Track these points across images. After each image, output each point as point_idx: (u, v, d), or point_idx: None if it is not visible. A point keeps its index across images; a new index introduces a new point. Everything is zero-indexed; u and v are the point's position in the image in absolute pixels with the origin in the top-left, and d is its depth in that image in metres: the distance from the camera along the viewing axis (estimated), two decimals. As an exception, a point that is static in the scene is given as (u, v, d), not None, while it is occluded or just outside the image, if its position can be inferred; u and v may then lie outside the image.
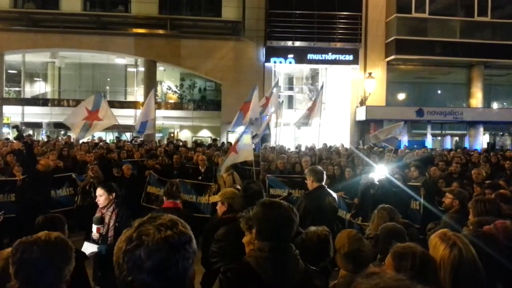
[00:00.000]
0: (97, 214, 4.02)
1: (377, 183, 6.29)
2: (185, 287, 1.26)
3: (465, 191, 5.15)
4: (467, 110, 19.76)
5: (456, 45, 18.91)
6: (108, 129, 10.99)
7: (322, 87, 10.25)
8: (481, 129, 20.36)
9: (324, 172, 5.13)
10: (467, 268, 2.13)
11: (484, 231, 2.82)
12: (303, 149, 14.48)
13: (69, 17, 18.57)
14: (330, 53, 19.17)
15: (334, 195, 4.88)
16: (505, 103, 22.26)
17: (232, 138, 20.00)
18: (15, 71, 21.74)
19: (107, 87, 22.32)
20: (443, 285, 2.07)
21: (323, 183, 5.00)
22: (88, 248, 3.77)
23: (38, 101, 21.17)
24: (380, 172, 6.51)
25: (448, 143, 21.22)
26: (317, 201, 4.73)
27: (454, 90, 21.82)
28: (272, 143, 12.01)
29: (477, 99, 20.22)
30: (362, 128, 19.39)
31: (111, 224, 3.99)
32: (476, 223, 3.23)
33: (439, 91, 22.08)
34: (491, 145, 19.99)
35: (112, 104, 14.26)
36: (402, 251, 2.09)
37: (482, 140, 20.53)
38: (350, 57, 19.29)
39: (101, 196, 4.03)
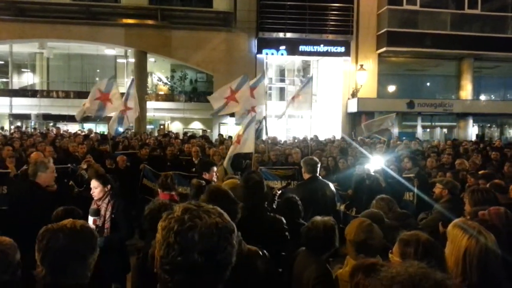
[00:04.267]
0: (93, 206, 3.97)
1: (373, 174, 6.32)
2: (227, 273, 1.30)
3: (457, 181, 5.20)
4: (457, 102, 19.94)
5: (446, 37, 19.00)
6: (100, 121, 10.90)
7: (310, 79, 10.03)
8: (471, 121, 20.59)
9: (318, 163, 5.13)
10: (493, 258, 2.09)
11: (484, 220, 2.83)
12: (294, 141, 14.50)
13: (57, 6, 18.20)
14: (321, 45, 19.15)
15: (332, 186, 4.88)
16: (493, 96, 22.51)
17: (224, 129, 19.98)
18: (3, 62, 21.37)
19: (97, 78, 21.98)
20: (449, 273, 2.06)
21: (317, 174, 5.00)
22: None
23: (27, 92, 20.86)
24: (375, 163, 6.54)
25: (438, 134, 21.43)
26: (308, 193, 4.71)
27: (444, 82, 21.99)
28: (264, 135, 11.99)
29: (466, 91, 20.41)
30: (353, 120, 19.46)
31: (107, 216, 3.94)
32: (473, 213, 3.25)
33: (429, 83, 22.24)
34: (480, 137, 20.27)
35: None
36: (407, 238, 2.10)
37: (471, 132, 20.78)
38: (342, 49, 19.30)
39: (96, 188, 3.98)
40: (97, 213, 3.84)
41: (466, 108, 19.93)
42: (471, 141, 15.97)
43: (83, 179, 5.65)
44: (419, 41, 18.88)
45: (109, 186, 4.02)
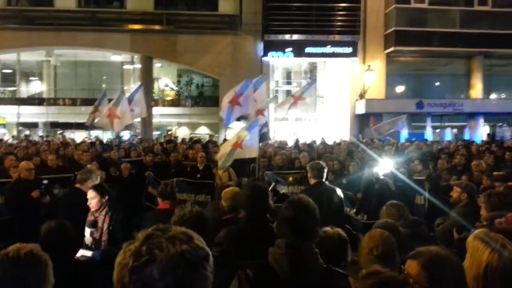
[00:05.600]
0: (90, 217, 3.83)
1: (382, 177, 6.11)
2: None
3: (474, 184, 4.98)
4: (467, 101, 19.60)
5: (455, 35, 18.68)
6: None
7: (314, 80, 9.77)
8: (481, 120, 20.20)
9: (325, 168, 4.95)
10: None
11: (501, 229, 2.63)
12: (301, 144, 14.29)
13: (63, 14, 18.32)
14: (328, 46, 18.94)
15: (339, 192, 4.69)
16: (504, 94, 22.08)
17: (230, 134, 19.84)
18: (10, 70, 21.51)
19: (104, 85, 22.04)
20: None
21: (323, 180, 4.83)
22: (82, 255, 3.57)
23: (34, 100, 20.96)
24: (385, 166, 6.33)
25: (448, 135, 21.05)
26: (314, 198, 4.53)
27: (454, 81, 21.64)
28: (269, 139, 11.81)
29: (476, 90, 20.03)
30: (361, 122, 19.20)
31: (105, 228, 3.78)
32: (490, 218, 3.05)
33: (438, 83, 21.88)
34: (491, 136, 19.86)
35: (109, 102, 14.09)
36: (429, 260, 1.86)
37: (482, 131, 20.38)
38: (349, 50, 19.06)
39: (93, 199, 3.82)
40: (94, 224, 3.70)
41: (477, 107, 19.58)
42: (473, 141, 15.55)
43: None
44: (428, 40, 18.59)
45: (106, 197, 3.87)
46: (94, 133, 18.40)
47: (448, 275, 1.80)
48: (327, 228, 2.77)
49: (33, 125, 21.21)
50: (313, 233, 2.28)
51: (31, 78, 22.77)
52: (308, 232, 2.25)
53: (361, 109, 18.78)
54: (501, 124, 22.84)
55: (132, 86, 21.53)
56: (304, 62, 21.17)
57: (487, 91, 20.66)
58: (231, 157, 6.83)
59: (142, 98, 11.09)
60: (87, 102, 18.80)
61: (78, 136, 18.49)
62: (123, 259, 1.05)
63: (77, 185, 4.50)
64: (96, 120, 10.95)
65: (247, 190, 3.20)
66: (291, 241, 2.18)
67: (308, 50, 18.87)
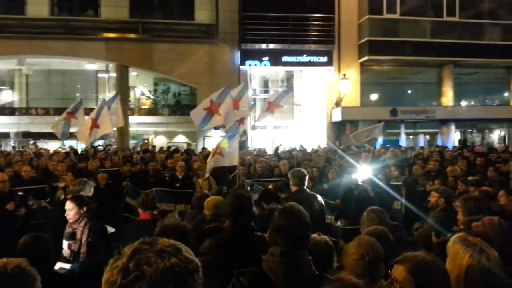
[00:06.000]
0: (68, 229, 3.73)
1: (361, 184, 6.21)
2: None
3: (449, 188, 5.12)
4: (438, 108, 20.16)
5: (426, 44, 19.28)
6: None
7: (290, 89, 9.85)
8: (453, 126, 20.80)
9: (307, 175, 5.02)
10: (496, 275, 1.99)
11: (478, 232, 2.72)
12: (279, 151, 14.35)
13: (36, 22, 17.88)
14: (304, 55, 19.21)
15: (320, 198, 4.74)
16: (473, 101, 22.86)
17: (208, 142, 19.76)
18: (-20, 80, 20.83)
19: (78, 94, 21.58)
20: None
21: (305, 187, 4.89)
22: (61, 268, 3.47)
23: (5, 110, 20.30)
24: (363, 172, 6.44)
25: (421, 141, 21.59)
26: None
27: (426, 89, 22.26)
28: (248, 147, 11.84)
29: (448, 97, 20.66)
30: (338, 129, 19.48)
31: (84, 239, 3.69)
32: (467, 222, 3.14)
33: (411, 91, 22.48)
34: (463, 142, 20.51)
35: (84, 112, 13.78)
36: (416, 265, 1.91)
37: (453, 137, 21.00)
38: (325, 59, 19.39)
39: (70, 210, 3.72)
40: (72, 237, 3.61)
41: (448, 114, 20.16)
42: (454, 147, 16.08)
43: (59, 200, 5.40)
44: (400, 49, 19.10)
45: (85, 208, 3.78)
46: (68, 142, 17.96)
47: (434, 279, 1.84)
48: (314, 235, 2.78)
49: (4, 136, 20.55)
50: (305, 241, 2.32)
51: (2, 88, 22.08)
52: (301, 240, 2.29)
53: (337, 116, 19.06)
54: (471, 130, 23.64)
55: (107, 95, 21.14)
56: (281, 70, 21.37)
57: (457, 98, 21.34)
58: (212, 165, 6.83)
59: (119, 107, 10.98)
60: (60, 111, 18.27)
61: (51, 146, 18.02)
62: (110, 276, 1.01)
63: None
64: (74, 129, 10.85)
65: (230, 199, 3.20)
66: (285, 248, 2.21)
67: (285, 59, 19.09)
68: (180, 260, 1.05)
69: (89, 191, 4.36)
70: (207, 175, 7.08)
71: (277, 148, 13.02)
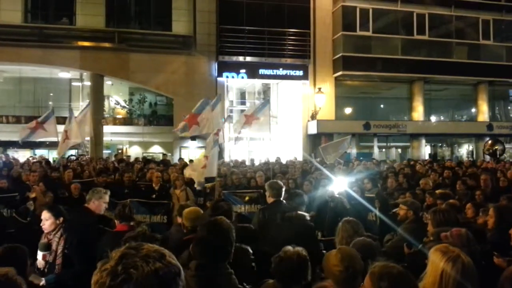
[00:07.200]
0: (43, 240, 3.66)
1: (337, 196, 6.34)
2: None
3: (417, 201, 5.32)
4: (409, 123, 20.79)
5: (397, 61, 19.99)
6: (52, 147, 10.74)
7: (267, 101, 9.91)
8: (423, 141, 21.49)
9: (284, 187, 5.11)
10: (469, 280, 2.11)
11: (447, 243, 2.86)
12: (256, 163, 14.45)
13: (8, 29, 17.46)
14: (281, 69, 19.51)
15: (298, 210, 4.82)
16: (442, 117, 23.71)
17: (185, 153, 19.64)
18: None
19: (50, 102, 21.09)
20: None
21: (281, 198, 4.97)
22: (34, 280, 3.39)
23: (-26, 118, 19.61)
24: (339, 185, 6.58)
25: (393, 154, 22.17)
26: (272, 217, 4.68)
27: (398, 104, 22.93)
28: (226, 158, 11.87)
29: (418, 112, 21.36)
30: (314, 142, 19.77)
31: (59, 250, 3.63)
32: (436, 233, 3.30)
33: (383, 105, 23.11)
34: (433, 156, 21.16)
35: (56, 120, 13.54)
36: (379, 271, 1.96)
37: (424, 151, 21.67)
38: (300, 73, 19.74)
39: (46, 220, 3.66)
40: (47, 247, 3.54)
41: (419, 128, 20.82)
42: (424, 160, 16.60)
43: (28, 211, 5.29)
44: (373, 65, 19.72)
45: (61, 219, 3.73)
46: (39, 152, 17.51)
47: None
48: (288, 248, 2.77)
49: (-29, 144, 19.79)
50: (225, 254, 2.33)
51: (-30, 95, 21.33)
52: (219, 253, 2.29)
53: (313, 129, 19.37)
54: (441, 144, 24.45)
55: (81, 104, 20.78)
56: (257, 83, 21.59)
57: (427, 113, 22.10)
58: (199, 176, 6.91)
59: (90, 117, 10.97)
60: (31, 119, 17.81)
61: (22, 155, 17.50)
62: (100, 278, 1.09)
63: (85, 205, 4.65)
64: (40, 139, 10.83)
65: (210, 211, 3.24)
66: (201, 262, 2.22)
67: (262, 72, 19.32)
68: (164, 265, 1.12)
69: (97, 198, 4.60)
70: (197, 187, 7.14)
71: (252, 160, 13.11)
